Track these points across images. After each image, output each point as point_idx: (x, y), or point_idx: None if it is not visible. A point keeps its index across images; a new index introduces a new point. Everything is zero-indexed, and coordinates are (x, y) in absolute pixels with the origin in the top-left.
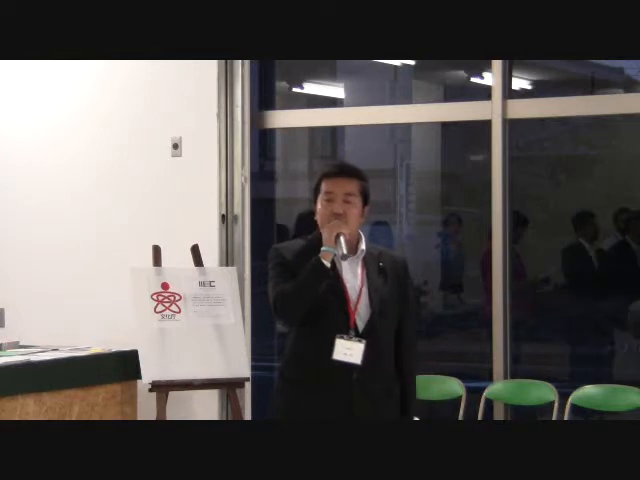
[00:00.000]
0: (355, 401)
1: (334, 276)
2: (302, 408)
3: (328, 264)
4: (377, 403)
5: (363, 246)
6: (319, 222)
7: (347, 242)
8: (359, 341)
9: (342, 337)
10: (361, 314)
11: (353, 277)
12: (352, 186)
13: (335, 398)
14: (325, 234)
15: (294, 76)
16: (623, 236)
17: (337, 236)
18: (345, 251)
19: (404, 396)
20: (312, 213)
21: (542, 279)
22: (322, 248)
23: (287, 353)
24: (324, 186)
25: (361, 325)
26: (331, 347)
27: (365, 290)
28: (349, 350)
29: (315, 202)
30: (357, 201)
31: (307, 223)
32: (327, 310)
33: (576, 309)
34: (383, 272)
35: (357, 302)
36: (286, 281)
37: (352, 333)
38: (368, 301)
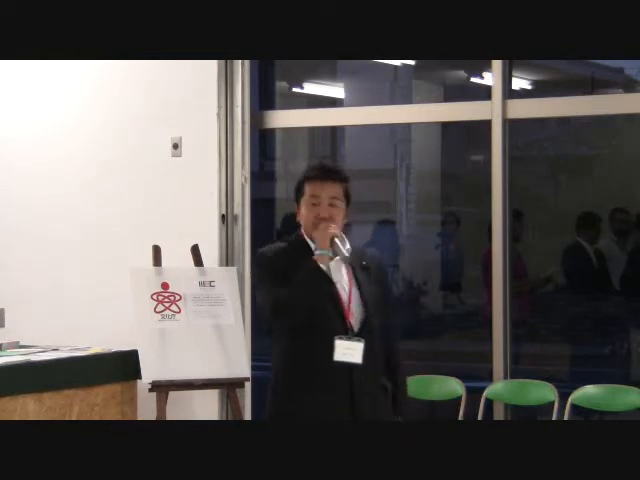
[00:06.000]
0: (355, 400)
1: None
2: (301, 410)
3: (325, 267)
4: (375, 401)
5: (348, 246)
6: (303, 225)
7: (343, 242)
8: (358, 340)
9: (341, 338)
10: (354, 314)
11: (341, 278)
12: (337, 189)
13: (335, 398)
14: (318, 237)
15: (294, 76)
16: (618, 237)
17: (332, 238)
18: (348, 246)
19: (395, 396)
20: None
21: (544, 278)
22: (317, 252)
23: (279, 360)
24: (309, 189)
25: (356, 324)
26: (329, 348)
27: (355, 290)
28: (349, 350)
29: (297, 204)
30: (341, 204)
31: (292, 224)
32: (321, 312)
33: (576, 309)
34: (367, 270)
35: (349, 302)
36: (278, 286)
37: (350, 333)
38: (359, 300)
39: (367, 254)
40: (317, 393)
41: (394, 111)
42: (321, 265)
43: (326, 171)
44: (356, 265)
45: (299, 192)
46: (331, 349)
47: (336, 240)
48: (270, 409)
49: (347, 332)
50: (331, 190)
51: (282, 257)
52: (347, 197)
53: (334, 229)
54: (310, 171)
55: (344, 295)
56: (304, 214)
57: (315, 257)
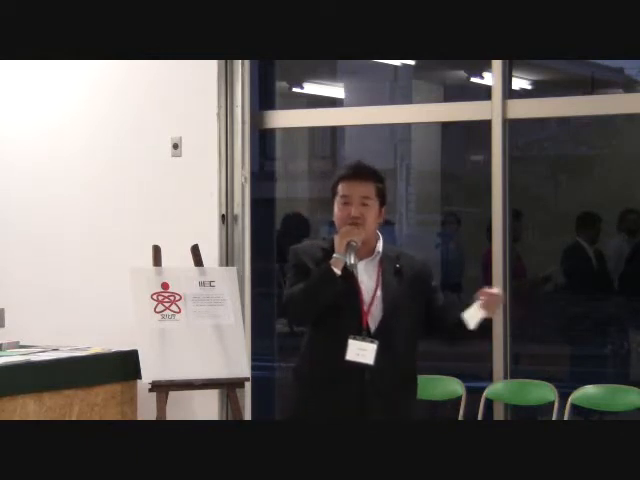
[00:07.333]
0: (366, 401)
1: (350, 278)
2: (313, 407)
3: (338, 271)
4: (389, 403)
5: (380, 247)
6: (336, 225)
7: (357, 250)
8: (371, 342)
9: (355, 338)
10: (374, 315)
11: (369, 278)
12: (368, 189)
13: (346, 398)
14: (337, 241)
15: (294, 76)
16: (630, 237)
17: (348, 244)
18: (353, 260)
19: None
20: (298, 214)
21: (543, 277)
22: (334, 255)
23: (302, 353)
24: (341, 189)
25: (373, 326)
26: (344, 347)
27: (379, 291)
28: (362, 350)
29: (332, 204)
30: (374, 204)
31: (292, 224)
32: (341, 311)
33: (576, 309)
34: (399, 273)
35: (371, 303)
36: (297, 283)
37: (364, 334)
38: (382, 302)
39: (405, 257)
40: (326, 391)
41: (394, 111)
42: (334, 269)
43: (357, 170)
44: (389, 267)
45: (333, 192)
46: (345, 348)
47: (351, 247)
48: (287, 400)
49: (362, 332)
50: (362, 189)
51: (309, 255)
52: (381, 197)
53: (353, 234)
54: (343, 170)
55: (366, 296)
56: (336, 214)
57: (332, 260)
